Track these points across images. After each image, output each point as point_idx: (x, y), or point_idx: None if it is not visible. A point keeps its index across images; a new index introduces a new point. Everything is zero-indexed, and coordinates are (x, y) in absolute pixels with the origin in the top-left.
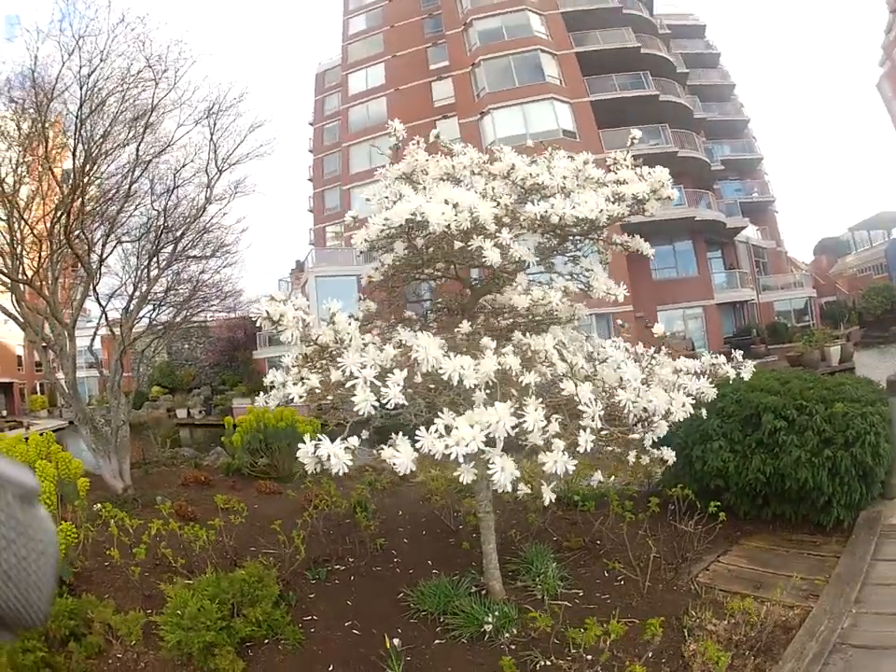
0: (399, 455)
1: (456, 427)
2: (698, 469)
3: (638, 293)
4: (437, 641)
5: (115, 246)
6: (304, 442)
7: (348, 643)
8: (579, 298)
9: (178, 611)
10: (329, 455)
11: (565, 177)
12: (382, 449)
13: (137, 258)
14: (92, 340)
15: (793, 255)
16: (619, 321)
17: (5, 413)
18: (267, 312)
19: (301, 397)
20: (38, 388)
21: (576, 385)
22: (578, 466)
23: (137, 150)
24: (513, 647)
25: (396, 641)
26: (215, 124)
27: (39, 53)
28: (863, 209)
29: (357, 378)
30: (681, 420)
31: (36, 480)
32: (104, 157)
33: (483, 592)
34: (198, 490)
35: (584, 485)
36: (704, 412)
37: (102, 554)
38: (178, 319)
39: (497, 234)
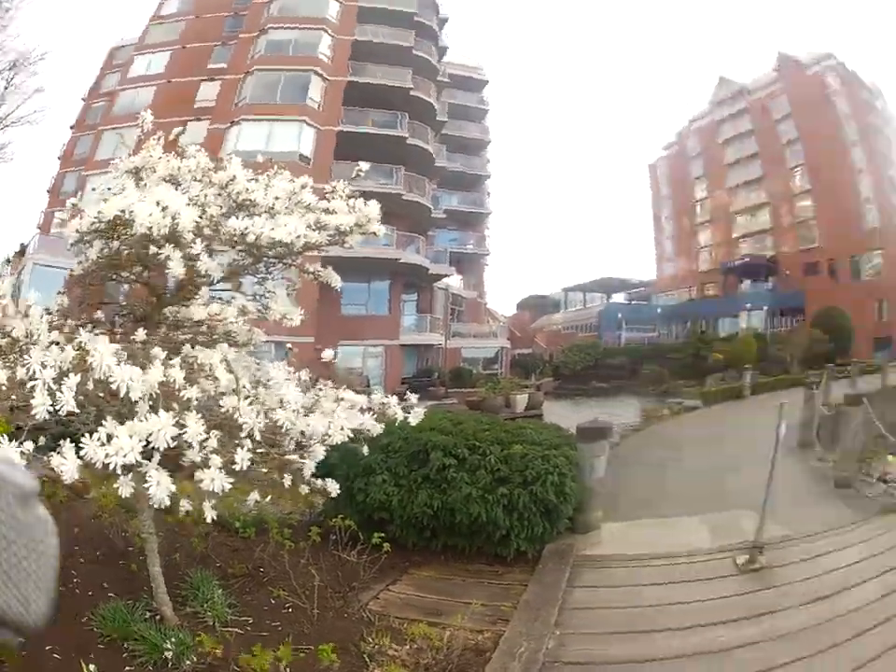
0: (66, 463)
1: (117, 436)
2: (360, 501)
3: (324, 326)
4: (127, 668)
5: None
6: None
7: (50, 667)
8: (260, 324)
9: None
10: None
11: (277, 198)
12: (51, 456)
13: None
14: None
15: (495, 307)
16: (288, 345)
17: None
18: None
19: None
20: None
21: (238, 400)
22: (237, 489)
23: None
24: None
25: (92, 667)
26: (12, 78)
27: None
28: (583, 272)
29: (37, 379)
30: (338, 444)
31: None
32: None
33: (158, 617)
34: None
35: (246, 511)
36: (366, 448)
37: None
38: None
39: (192, 245)
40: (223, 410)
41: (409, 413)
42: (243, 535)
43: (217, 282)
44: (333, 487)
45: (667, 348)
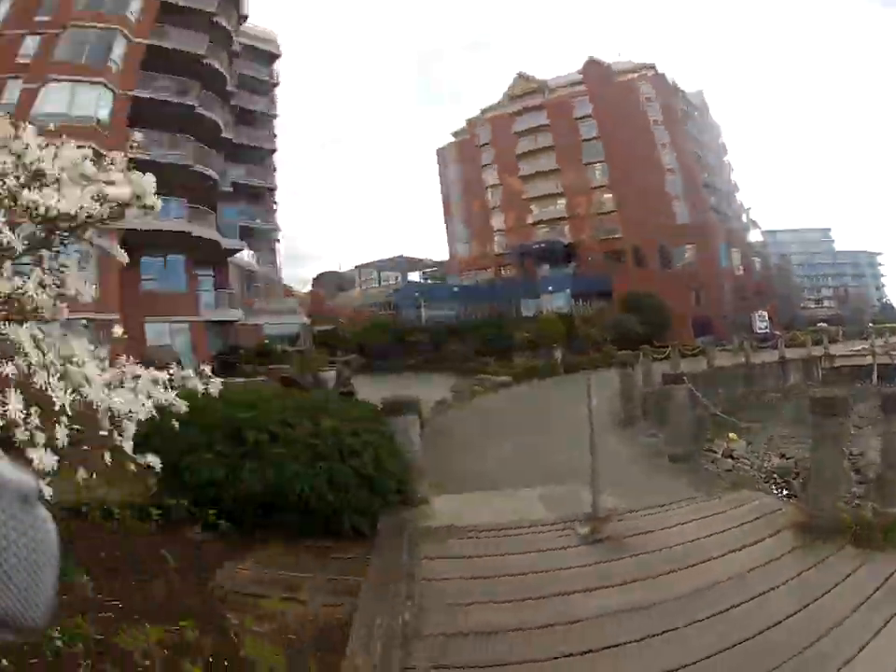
0: None
1: None
2: (189, 480)
3: (128, 302)
4: None
5: None
6: None
7: None
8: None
9: None
10: None
11: (63, 168)
12: None
13: None
14: None
15: (292, 283)
16: (83, 321)
17: None
18: None
19: None
20: None
21: (49, 376)
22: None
23: None
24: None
25: None
26: None
27: None
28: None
29: None
30: (156, 423)
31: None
32: None
33: None
34: None
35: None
36: (176, 424)
37: None
38: None
39: None
40: (37, 386)
41: (207, 384)
42: (94, 520)
43: (18, 256)
44: (155, 461)
45: (470, 326)
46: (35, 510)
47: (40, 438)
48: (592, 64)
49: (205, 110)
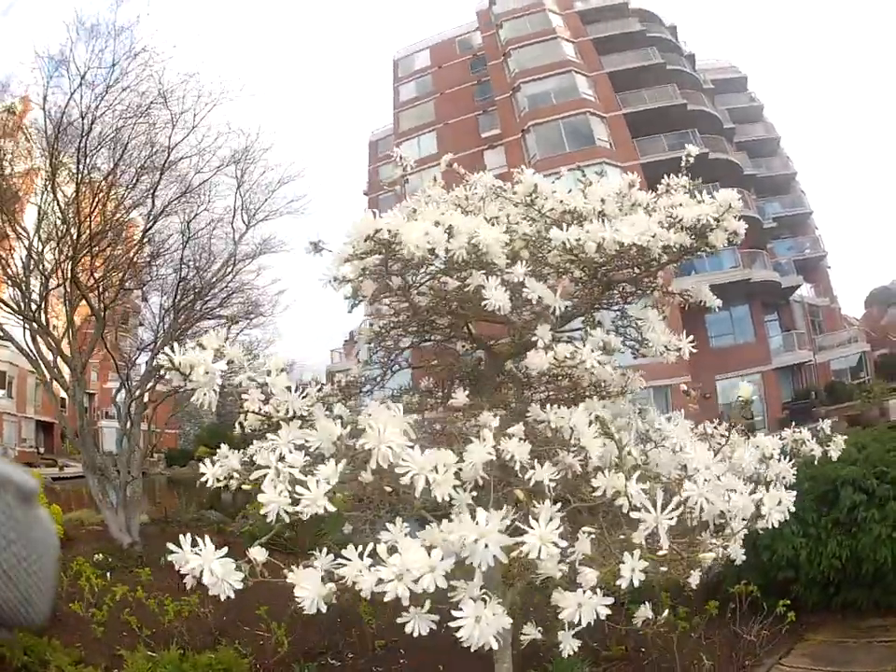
0: (305, 589)
1: (399, 552)
2: (766, 560)
3: (696, 362)
4: None
5: (118, 291)
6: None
7: None
8: (635, 369)
9: None
10: (201, 571)
11: (603, 200)
12: (290, 571)
13: (161, 309)
14: (117, 392)
15: (846, 309)
16: (683, 387)
17: (42, 450)
18: (169, 360)
19: (217, 479)
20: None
21: (626, 478)
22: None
23: (153, 195)
24: None
25: None
26: (242, 175)
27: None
28: None
29: (266, 468)
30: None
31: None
32: (110, 196)
33: None
34: None
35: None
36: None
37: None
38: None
39: (508, 270)
40: (597, 493)
41: (826, 447)
42: (628, 609)
43: (559, 317)
44: (738, 553)
45: None
46: (35, 509)
47: (588, 577)
48: None
49: (717, 153)
